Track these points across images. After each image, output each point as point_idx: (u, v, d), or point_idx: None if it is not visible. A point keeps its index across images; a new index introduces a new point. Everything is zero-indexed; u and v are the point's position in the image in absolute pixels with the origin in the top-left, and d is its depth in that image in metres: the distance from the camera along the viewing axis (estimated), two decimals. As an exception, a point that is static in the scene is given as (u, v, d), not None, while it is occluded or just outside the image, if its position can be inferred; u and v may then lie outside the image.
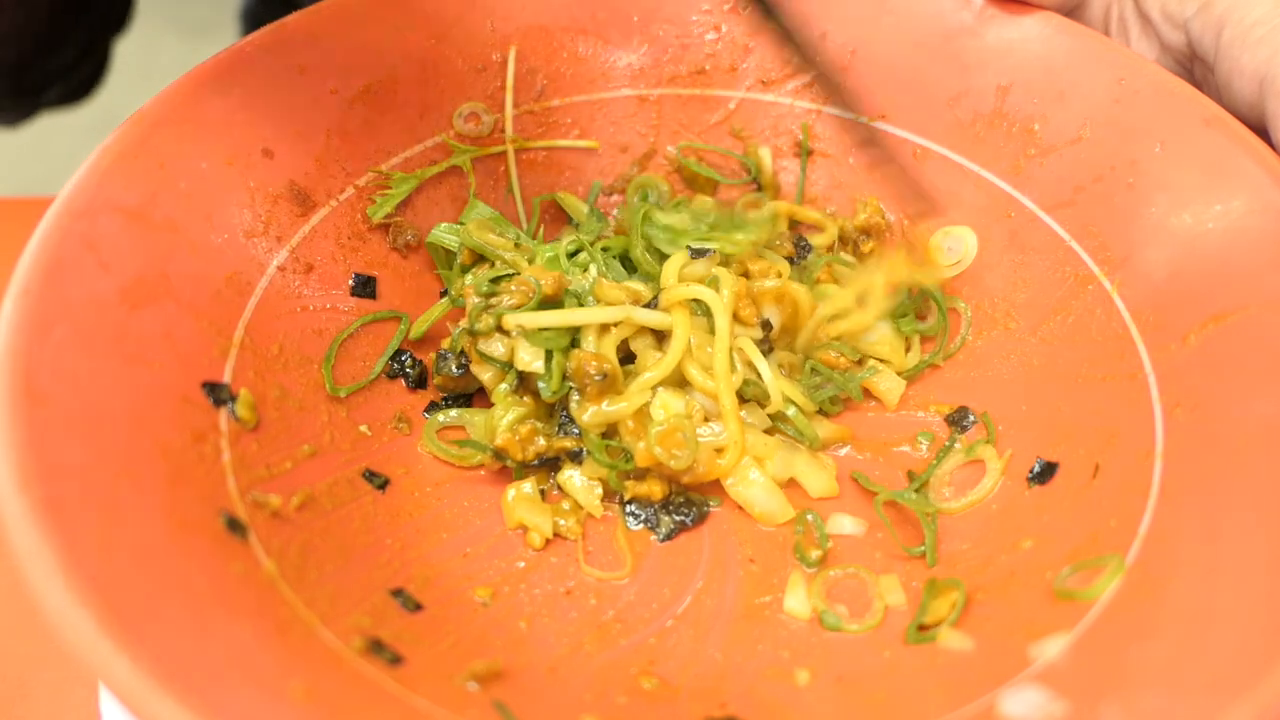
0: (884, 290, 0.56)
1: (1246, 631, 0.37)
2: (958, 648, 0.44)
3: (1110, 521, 0.45)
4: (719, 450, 0.52)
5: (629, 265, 0.57)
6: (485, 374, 0.54)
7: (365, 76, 0.57)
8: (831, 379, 0.55)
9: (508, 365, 0.53)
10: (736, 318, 0.53)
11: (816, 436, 0.54)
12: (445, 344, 0.55)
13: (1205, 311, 0.47)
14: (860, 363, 0.57)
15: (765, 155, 0.63)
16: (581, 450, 0.53)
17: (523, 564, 0.50)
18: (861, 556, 0.51)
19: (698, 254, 0.55)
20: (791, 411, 0.54)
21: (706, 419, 0.53)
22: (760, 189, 0.63)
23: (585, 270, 0.55)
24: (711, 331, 0.53)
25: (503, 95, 0.61)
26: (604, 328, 0.53)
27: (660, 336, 0.54)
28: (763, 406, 0.54)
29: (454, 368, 0.54)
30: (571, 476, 0.53)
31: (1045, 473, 0.50)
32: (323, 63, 0.55)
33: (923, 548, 0.50)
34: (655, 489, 0.52)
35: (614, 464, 0.51)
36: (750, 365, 0.54)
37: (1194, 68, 0.57)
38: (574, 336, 0.52)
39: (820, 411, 0.56)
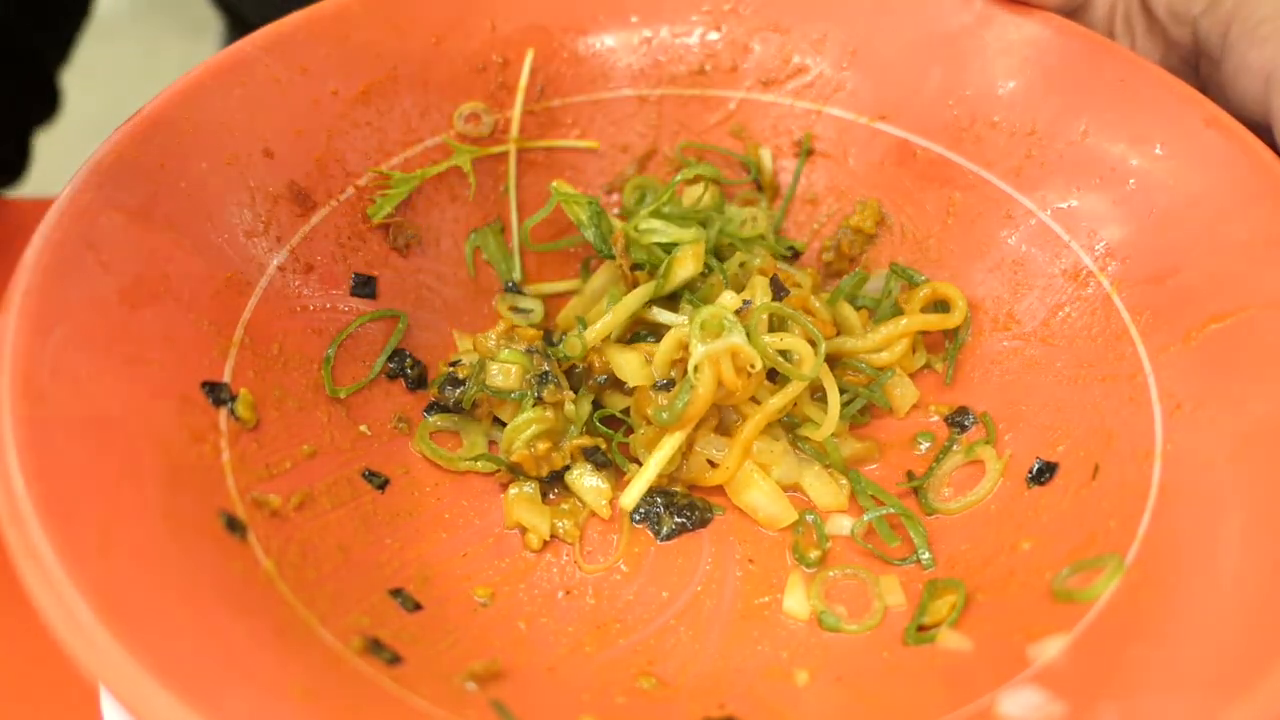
0: (904, 339, 0.56)
1: (1245, 632, 0.37)
2: (957, 648, 0.44)
3: (1110, 522, 0.45)
4: (712, 464, 0.52)
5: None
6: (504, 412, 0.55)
7: (365, 76, 0.57)
8: (859, 393, 0.55)
9: (518, 393, 0.53)
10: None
11: (842, 460, 0.53)
12: (443, 367, 0.56)
13: (1205, 312, 0.47)
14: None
15: (766, 156, 0.63)
16: (597, 449, 0.53)
17: (522, 564, 0.50)
18: (861, 557, 0.51)
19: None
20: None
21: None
22: (760, 189, 0.63)
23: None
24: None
25: (503, 95, 0.61)
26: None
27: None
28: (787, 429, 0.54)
29: (452, 403, 0.55)
30: (580, 475, 0.53)
31: (1045, 473, 0.50)
32: (323, 63, 0.56)
33: (914, 558, 0.50)
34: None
35: (613, 435, 0.53)
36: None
37: (1199, 64, 0.57)
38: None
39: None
